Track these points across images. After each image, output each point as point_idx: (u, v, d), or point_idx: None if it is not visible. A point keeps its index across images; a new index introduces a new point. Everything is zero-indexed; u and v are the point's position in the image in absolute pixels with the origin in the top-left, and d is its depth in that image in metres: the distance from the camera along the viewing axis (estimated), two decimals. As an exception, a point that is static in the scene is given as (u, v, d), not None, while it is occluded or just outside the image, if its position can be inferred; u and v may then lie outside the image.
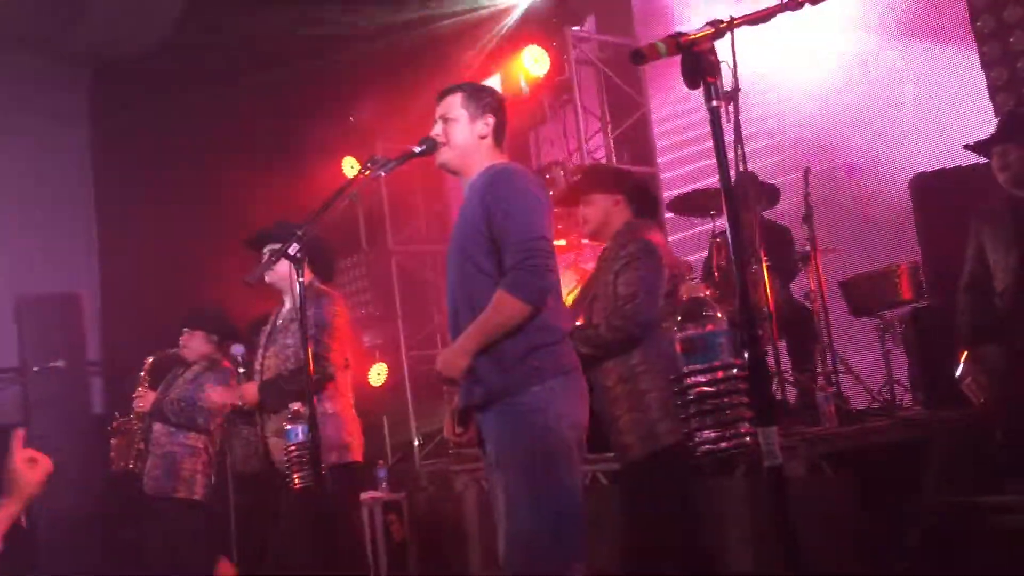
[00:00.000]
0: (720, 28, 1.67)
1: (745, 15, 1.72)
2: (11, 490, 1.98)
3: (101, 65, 9.72)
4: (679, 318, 1.80)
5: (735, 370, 1.64)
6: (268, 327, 4.47)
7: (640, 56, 1.67)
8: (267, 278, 4.20)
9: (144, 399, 5.27)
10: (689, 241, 6.98)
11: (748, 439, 1.66)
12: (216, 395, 5.14)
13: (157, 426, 5.21)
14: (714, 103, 1.66)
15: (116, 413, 5.61)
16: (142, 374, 5.48)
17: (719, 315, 1.72)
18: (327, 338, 4.18)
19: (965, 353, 3.87)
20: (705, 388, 1.63)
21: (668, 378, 3.54)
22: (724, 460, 3.50)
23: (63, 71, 9.67)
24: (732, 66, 1.68)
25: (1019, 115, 4.49)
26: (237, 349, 4.50)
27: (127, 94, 9.16)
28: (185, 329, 5.42)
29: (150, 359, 5.54)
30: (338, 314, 4.26)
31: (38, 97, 9.41)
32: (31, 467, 2.00)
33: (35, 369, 7.35)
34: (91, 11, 8.61)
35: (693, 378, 1.70)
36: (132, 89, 9.05)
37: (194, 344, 5.40)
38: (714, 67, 1.64)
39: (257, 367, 4.38)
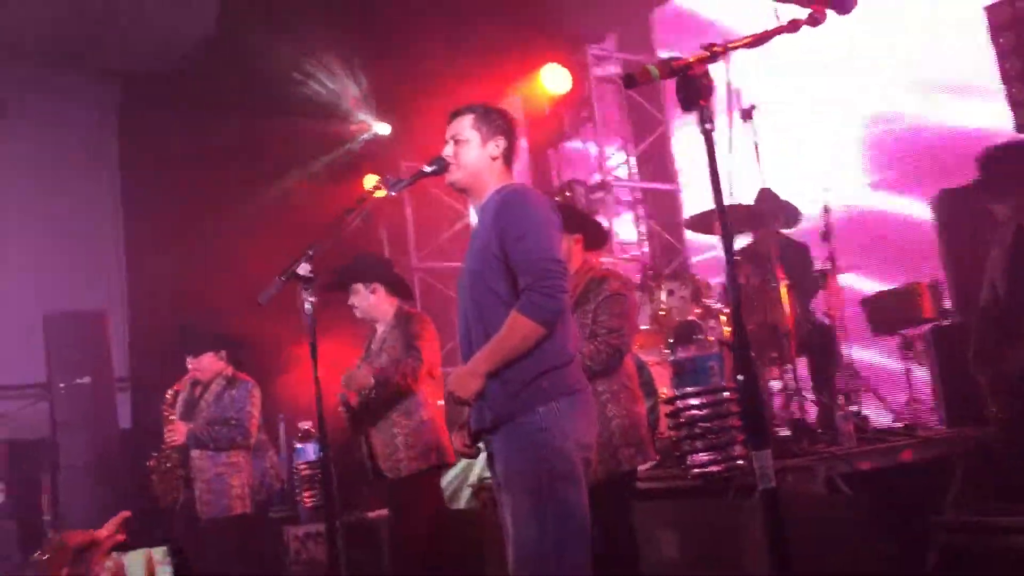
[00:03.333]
0: (714, 52, 1.68)
1: (741, 39, 1.73)
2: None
3: (130, 82, 9.87)
4: (670, 340, 1.81)
5: (726, 393, 1.64)
6: (365, 350, 4.72)
7: (632, 80, 1.68)
8: (357, 314, 4.58)
9: (176, 431, 5.29)
10: (710, 260, 6.96)
11: (740, 462, 1.66)
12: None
13: (195, 452, 5.24)
14: (707, 126, 1.66)
15: (153, 453, 5.63)
16: (165, 410, 5.51)
17: (710, 339, 1.72)
18: (416, 343, 4.44)
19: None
20: (696, 412, 1.63)
21: (630, 407, 3.72)
22: (716, 483, 3.51)
23: (93, 88, 9.84)
24: (727, 88, 1.67)
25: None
26: None
27: (156, 111, 9.30)
28: (189, 356, 5.46)
29: (170, 392, 5.58)
30: (424, 331, 4.52)
31: (69, 113, 9.59)
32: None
33: (62, 386, 7.45)
34: (122, 29, 8.75)
35: (684, 401, 1.70)
36: (161, 105, 9.18)
37: (204, 365, 5.44)
38: (707, 91, 1.65)
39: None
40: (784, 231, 5.49)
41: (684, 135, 7.77)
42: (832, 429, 4.59)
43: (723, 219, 1.64)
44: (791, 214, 5.56)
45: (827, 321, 5.32)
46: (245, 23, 8.42)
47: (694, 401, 1.55)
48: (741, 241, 5.57)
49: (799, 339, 4.76)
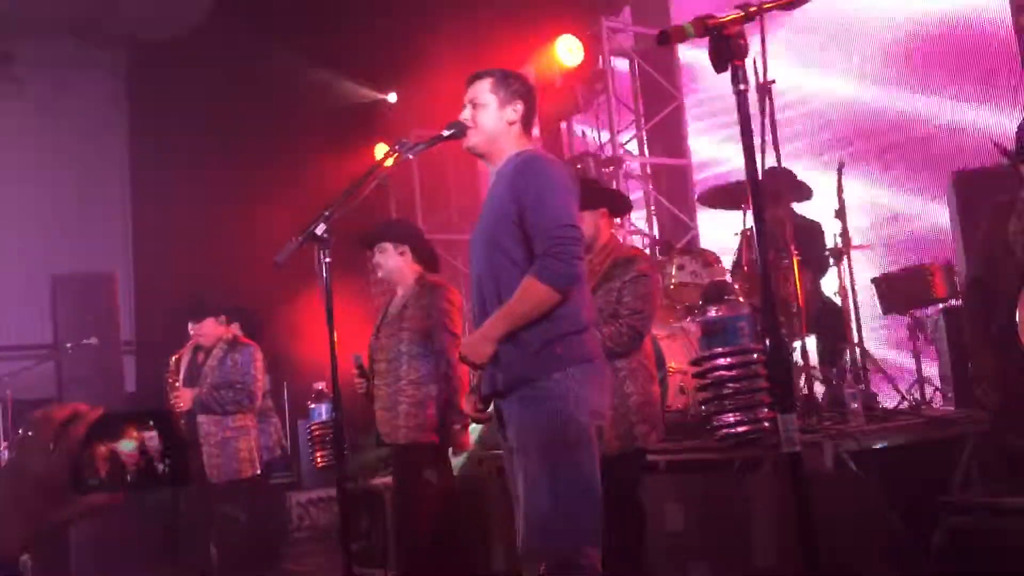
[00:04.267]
0: (749, 12, 1.65)
1: (775, -1, 1.70)
2: None
3: (138, 49, 9.84)
4: (701, 301, 1.79)
5: (755, 355, 1.62)
6: (381, 314, 4.66)
7: (667, 37, 1.65)
8: (379, 273, 4.53)
9: (182, 398, 5.32)
10: (720, 232, 6.93)
11: (766, 424, 1.64)
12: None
13: (202, 417, 5.26)
14: (741, 87, 1.64)
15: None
16: (168, 376, 5.55)
17: (740, 299, 1.70)
18: (452, 327, 4.40)
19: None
20: (724, 372, 1.61)
21: (647, 385, 3.74)
22: (740, 445, 3.52)
23: (101, 55, 9.81)
24: (762, 55, 1.65)
25: None
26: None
27: (163, 77, 9.28)
28: (190, 322, 5.47)
29: (173, 359, 5.61)
30: (453, 303, 4.47)
31: (77, 80, 9.58)
32: None
33: (68, 346, 7.46)
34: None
35: (712, 361, 1.69)
36: (168, 72, 9.15)
37: (206, 330, 5.46)
38: (742, 50, 1.62)
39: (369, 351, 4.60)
40: (796, 208, 5.46)
41: (696, 110, 7.72)
42: (840, 407, 4.59)
43: (755, 183, 1.62)
44: (803, 191, 5.53)
45: (837, 299, 5.30)
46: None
47: (722, 361, 1.54)
48: (752, 218, 5.54)
49: (809, 316, 4.74)
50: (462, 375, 4.30)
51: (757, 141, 4.22)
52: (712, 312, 1.58)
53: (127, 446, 1.10)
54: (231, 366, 5.32)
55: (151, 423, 1.12)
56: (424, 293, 4.48)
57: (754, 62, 4.05)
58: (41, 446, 1.08)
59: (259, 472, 5.34)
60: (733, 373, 1.54)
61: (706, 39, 1.65)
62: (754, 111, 4.77)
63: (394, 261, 4.52)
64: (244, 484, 5.23)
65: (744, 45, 1.62)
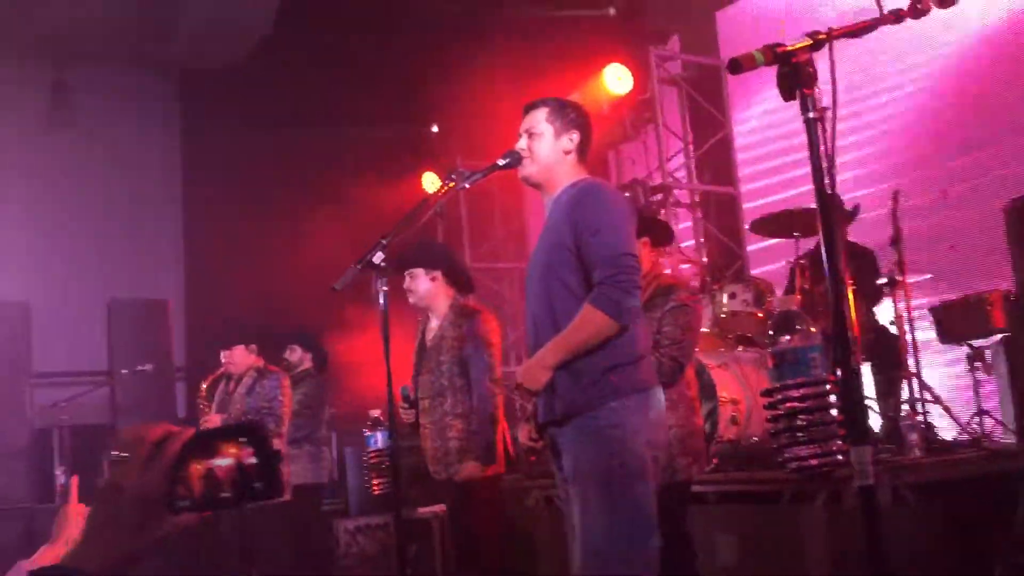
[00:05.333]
0: (818, 39, 1.64)
1: (845, 26, 1.69)
2: (57, 533, 2.06)
3: (191, 77, 10.05)
4: (771, 331, 1.77)
5: (827, 386, 1.60)
6: (417, 345, 4.51)
7: (737, 65, 1.65)
8: (411, 299, 4.36)
9: (211, 422, 5.44)
10: (768, 261, 6.87)
11: (839, 457, 1.62)
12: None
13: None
14: (811, 115, 1.63)
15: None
16: (200, 402, 5.67)
17: (812, 329, 1.68)
18: (488, 356, 4.23)
19: None
20: (796, 403, 1.59)
21: (688, 416, 3.68)
22: (810, 479, 3.45)
23: (155, 83, 10.03)
24: (831, 80, 1.64)
25: None
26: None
27: (216, 105, 9.45)
28: (223, 349, 5.58)
29: (204, 385, 5.73)
30: (492, 331, 4.31)
31: (131, 109, 9.79)
32: (80, 517, 2.09)
33: (124, 372, 7.59)
34: (183, 26, 8.90)
35: (785, 392, 1.66)
36: (221, 101, 9.33)
37: (236, 358, 5.57)
38: (811, 78, 1.62)
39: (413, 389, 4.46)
40: (851, 238, 5.40)
41: (745, 138, 7.68)
42: (897, 438, 4.50)
43: (826, 211, 1.60)
44: (851, 214, 5.47)
45: (893, 328, 5.22)
46: (303, 22, 8.53)
47: (795, 392, 1.52)
48: (804, 245, 5.50)
49: (864, 346, 4.67)
50: (497, 405, 4.20)
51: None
52: (783, 342, 1.56)
53: (223, 463, 1.11)
54: (259, 392, 5.43)
55: (245, 439, 1.13)
56: (460, 320, 4.33)
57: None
58: (136, 465, 1.10)
59: (290, 498, 5.32)
60: (805, 404, 1.52)
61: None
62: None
63: (426, 287, 4.36)
64: (279, 509, 5.21)
65: (813, 73, 1.62)
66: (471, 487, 4.21)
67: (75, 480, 2.15)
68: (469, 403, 4.23)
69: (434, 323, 4.44)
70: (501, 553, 4.30)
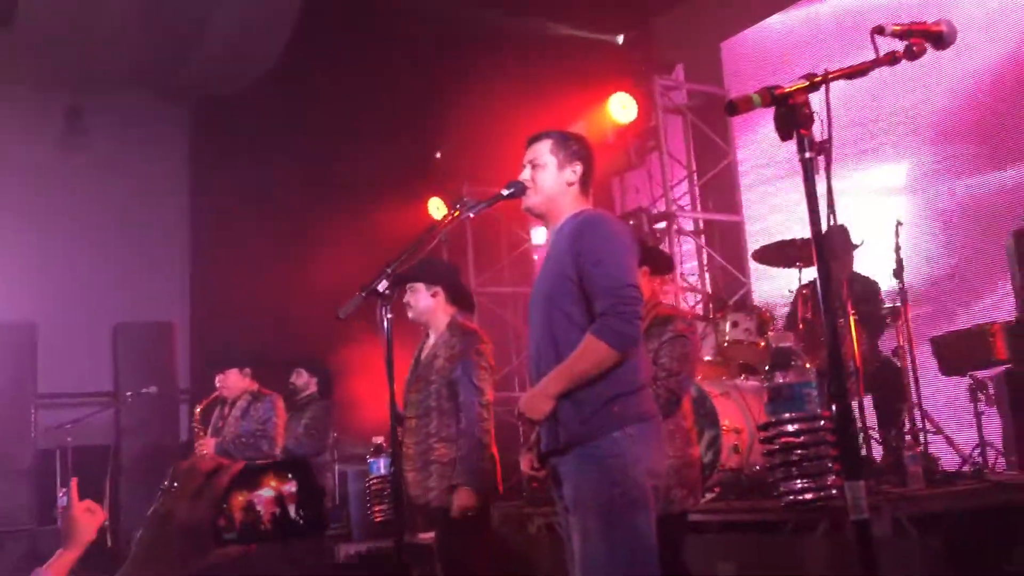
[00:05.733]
0: (815, 81, 1.68)
1: (841, 69, 1.73)
2: (70, 537, 2.11)
3: (202, 104, 10.16)
4: (767, 367, 1.80)
5: (822, 422, 1.62)
6: (413, 363, 4.35)
7: (733, 108, 1.69)
8: (410, 314, 4.18)
9: (206, 445, 5.48)
10: (773, 289, 6.89)
11: (834, 491, 1.64)
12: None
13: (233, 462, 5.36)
14: (807, 155, 1.66)
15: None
16: (194, 425, 5.71)
17: (807, 366, 1.71)
18: (478, 379, 4.05)
19: None
20: (791, 439, 1.62)
21: (684, 448, 3.67)
22: (807, 512, 3.45)
23: (166, 108, 10.14)
24: (825, 118, 1.67)
25: None
26: None
27: (224, 131, 9.55)
28: (217, 373, 5.62)
29: (199, 409, 5.78)
30: (486, 354, 4.14)
31: (142, 133, 9.90)
32: (89, 516, 2.13)
33: (128, 394, 7.61)
34: (196, 54, 9.01)
35: (780, 427, 1.69)
36: (229, 126, 9.43)
37: (230, 382, 5.62)
38: (808, 120, 1.65)
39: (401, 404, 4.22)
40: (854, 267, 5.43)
41: (749, 166, 7.73)
42: (899, 469, 4.50)
43: (821, 249, 1.63)
44: (855, 246, 5.49)
45: (895, 359, 5.23)
46: (313, 50, 8.63)
47: (790, 428, 1.55)
48: (808, 274, 5.53)
49: (866, 376, 4.69)
50: (485, 431, 4.01)
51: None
52: (779, 378, 1.59)
53: (265, 494, 1.13)
54: (253, 415, 5.47)
55: (290, 473, 1.15)
56: (455, 341, 4.16)
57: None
58: (187, 495, 1.13)
59: None
60: (800, 440, 1.55)
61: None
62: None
63: (426, 302, 4.21)
64: None
65: (810, 114, 1.66)
66: (440, 513, 3.99)
67: (75, 482, 2.18)
68: (455, 427, 4.03)
69: (431, 340, 4.30)
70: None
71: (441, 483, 3.99)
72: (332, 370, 6.27)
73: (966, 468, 4.97)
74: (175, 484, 1.14)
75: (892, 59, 1.78)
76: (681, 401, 3.71)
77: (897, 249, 5.15)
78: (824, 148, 1.79)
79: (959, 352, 5.19)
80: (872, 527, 3.68)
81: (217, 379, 5.64)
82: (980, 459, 4.98)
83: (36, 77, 9.09)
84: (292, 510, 1.14)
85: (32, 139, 9.25)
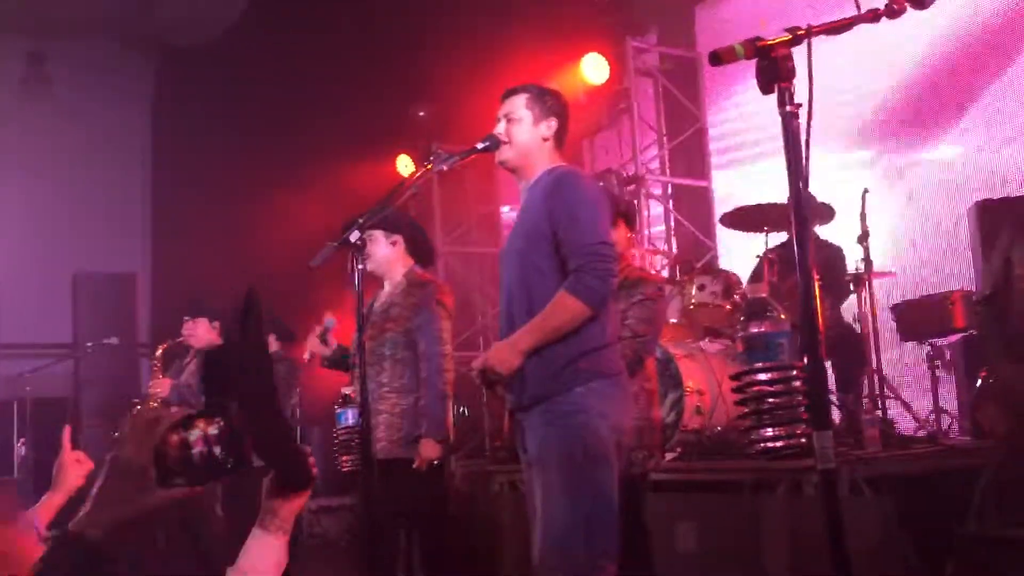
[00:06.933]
0: (798, 35, 1.68)
1: (823, 23, 1.74)
2: (58, 482, 2.20)
3: (166, 51, 9.95)
4: (742, 317, 1.82)
5: (794, 372, 1.65)
6: (365, 310, 4.02)
7: (717, 58, 1.69)
8: (368, 265, 3.90)
9: (161, 386, 5.42)
10: (738, 254, 6.94)
11: (803, 440, 1.67)
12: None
13: (175, 410, 5.32)
14: (788, 108, 1.67)
15: (134, 400, 5.78)
16: (154, 363, 5.64)
17: (782, 316, 1.73)
18: (438, 330, 3.97)
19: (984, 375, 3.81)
20: (764, 387, 1.64)
21: (647, 410, 3.71)
22: (774, 460, 3.50)
23: (130, 56, 9.93)
24: (808, 77, 1.68)
25: None
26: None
27: (189, 81, 9.38)
28: (187, 318, 5.55)
29: (160, 349, 5.71)
30: (444, 304, 4.06)
31: (105, 81, 9.69)
32: (76, 465, 2.23)
33: (89, 346, 7.52)
34: (162, 1, 8.82)
35: (753, 376, 1.71)
36: (194, 77, 9.26)
37: (199, 332, 5.55)
38: (790, 73, 1.66)
39: (353, 350, 4.01)
40: (818, 231, 5.49)
41: (719, 131, 7.75)
42: (856, 432, 4.58)
43: (799, 208, 1.65)
44: (826, 214, 5.55)
45: (856, 324, 5.31)
46: (282, 3, 8.48)
47: (763, 376, 1.57)
48: (773, 240, 5.57)
49: (827, 341, 4.75)
50: (447, 383, 3.93)
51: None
52: (754, 328, 1.60)
53: (193, 435, 1.20)
54: None
55: (219, 416, 1.22)
56: (413, 290, 4.09)
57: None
58: (132, 440, 1.24)
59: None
60: (773, 388, 1.57)
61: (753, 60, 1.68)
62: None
63: (384, 251, 4.11)
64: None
65: (791, 67, 1.66)
66: (395, 467, 3.87)
67: (68, 430, 2.25)
68: (409, 377, 3.97)
69: (387, 289, 4.22)
70: (444, 533, 4.09)
71: (390, 434, 3.91)
72: (299, 324, 6.21)
73: (921, 433, 5.08)
74: (124, 431, 1.23)
75: (874, 16, 1.79)
76: (644, 362, 3.73)
77: (863, 216, 5.21)
78: (807, 109, 1.78)
79: (918, 319, 5.28)
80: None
81: (186, 327, 5.54)
82: (935, 424, 5.09)
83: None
84: (214, 448, 1.23)
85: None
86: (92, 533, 1.17)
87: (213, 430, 1.23)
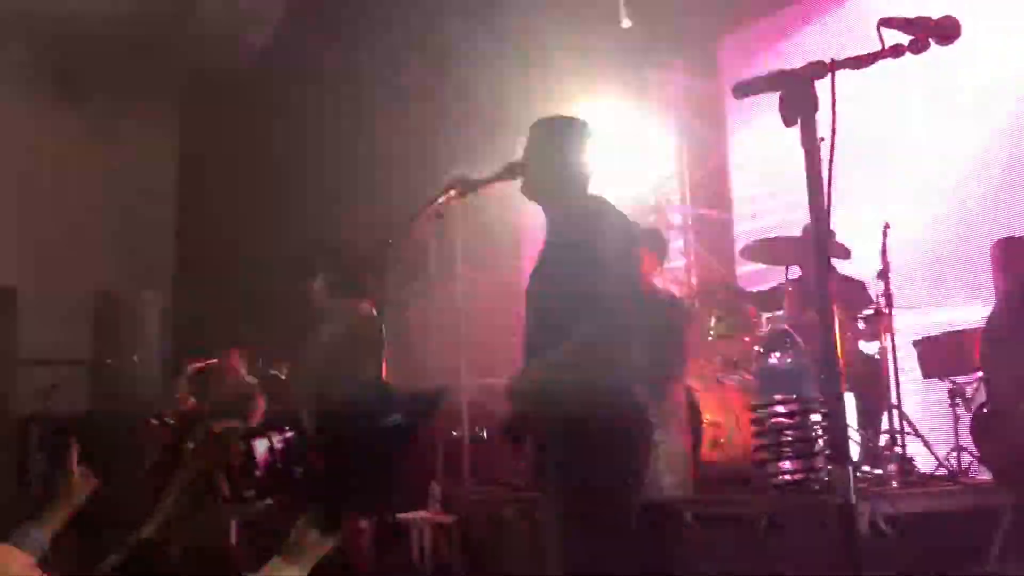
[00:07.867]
0: (822, 68, 1.69)
1: (848, 57, 1.74)
2: (65, 497, 2.19)
3: (195, 78, 10.07)
4: (760, 349, 1.81)
5: (814, 405, 1.63)
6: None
7: (743, 89, 1.69)
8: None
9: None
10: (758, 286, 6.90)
11: (822, 475, 1.65)
12: None
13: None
14: (811, 141, 1.67)
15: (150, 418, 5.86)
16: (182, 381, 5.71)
17: (803, 347, 1.72)
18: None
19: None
20: (782, 419, 1.63)
21: (677, 437, 3.69)
22: (791, 495, 3.47)
23: (159, 79, 10.05)
24: (832, 111, 1.68)
25: None
26: None
27: (217, 105, 9.47)
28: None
29: (190, 369, 5.77)
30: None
31: (133, 103, 9.81)
32: (83, 481, 2.22)
33: (108, 362, 7.55)
34: (193, 23, 8.95)
35: (771, 408, 1.70)
36: (223, 103, 9.36)
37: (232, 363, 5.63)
38: (813, 105, 1.66)
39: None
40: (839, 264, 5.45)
41: (741, 163, 7.74)
42: (876, 468, 4.54)
43: (821, 240, 1.64)
44: (841, 252, 5.51)
45: (877, 359, 5.26)
46: (307, 28, 8.58)
47: (781, 409, 1.55)
48: (792, 274, 5.54)
49: (848, 376, 4.71)
50: None
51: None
52: (773, 359, 1.59)
53: (261, 445, 1.18)
54: None
55: (288, 428, 1.20)
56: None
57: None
58: (198, 454, 1.27)
59: None
60: (792, 421, 1.55)
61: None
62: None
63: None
64: None
65: (815, 100, 1.66)
66: None
67: (76, 447, 2.27)
68: None
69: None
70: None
71: None
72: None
73: (941, 470, 5.01)
74: (199, 442, 1.23)
75: (896, 52, 1.79)
76: (668, 389, 3.71)
77: (884, 251, 5.18)
78: (828, 142, 1.78)
79: (940, 356, 5.23)
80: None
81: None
82: (955, 462, 5.03)
83: (28, 38, 9.00)
84: (282, 463, 1.19)
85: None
86: (171, 551, 1.18)
87: (280, 444, 1.21)
